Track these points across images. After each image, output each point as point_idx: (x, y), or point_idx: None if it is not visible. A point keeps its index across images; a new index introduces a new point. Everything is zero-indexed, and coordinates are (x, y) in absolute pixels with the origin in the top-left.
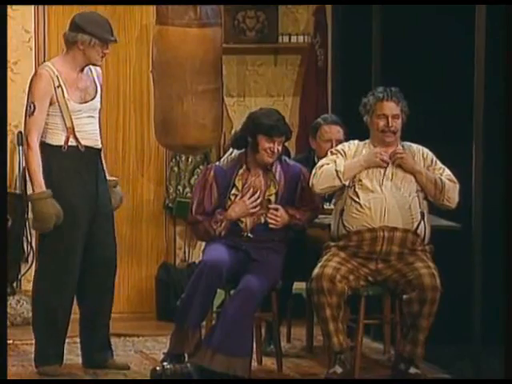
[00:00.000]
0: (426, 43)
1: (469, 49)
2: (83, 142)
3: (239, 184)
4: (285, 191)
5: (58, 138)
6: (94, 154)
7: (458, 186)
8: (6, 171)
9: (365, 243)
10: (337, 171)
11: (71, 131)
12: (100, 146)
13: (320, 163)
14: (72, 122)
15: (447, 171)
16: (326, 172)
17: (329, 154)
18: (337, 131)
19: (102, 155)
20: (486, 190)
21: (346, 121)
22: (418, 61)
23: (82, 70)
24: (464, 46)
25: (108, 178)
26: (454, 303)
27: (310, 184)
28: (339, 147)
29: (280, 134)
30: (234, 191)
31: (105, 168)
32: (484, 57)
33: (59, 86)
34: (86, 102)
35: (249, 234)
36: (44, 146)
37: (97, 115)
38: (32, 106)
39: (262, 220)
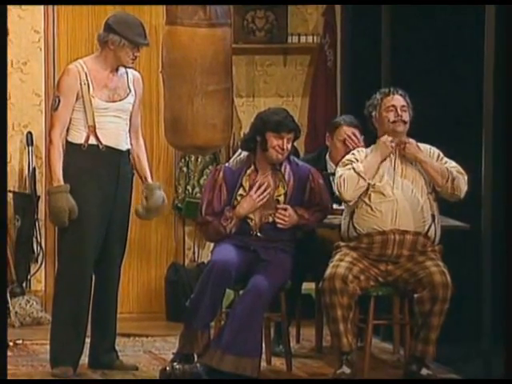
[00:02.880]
0: (436, 43)
1: (478, 48)
2: (104, 142)
3: (246, 184)
4: (294, 191)
5: (79, 136)
6: (115, 154)
7: (465, 177)
8: (6, 170)
9: (375, 246)
10: (358, 173)
11: (92, 129)
12: (124, 147)
13: (338, 174)
14: (94, 120)
15: (454, 163)
16: (348, 178)
17: (340, 164)
18: (354, 133)
19: (132, 159)
20: (495, 190)
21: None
22: (427, 61)
23: (115, 70)
24: (474, 45)
25: (149, 181)
26: (464, 303)
27: (338, 195)
28: (350, 156)
29: (288, 130)
30: (240, 191)
31: (147, 171)
32: (494, 55)
33: (86, 81)
34: (113, 102)
35: (258, 234)
36: (66, 144)
37: (125, 117)
38: (57, 100)
39: (271, 219)
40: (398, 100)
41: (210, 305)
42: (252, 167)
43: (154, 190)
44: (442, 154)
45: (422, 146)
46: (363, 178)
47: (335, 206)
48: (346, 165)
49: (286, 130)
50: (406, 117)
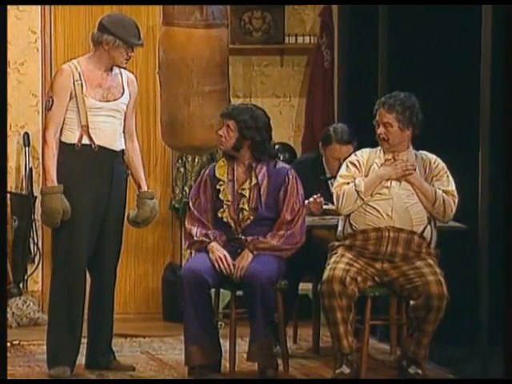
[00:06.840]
0: (433, 44)
1: (476, 50)
2: (97, 142)
3: (225, 177)
4: (269, 191)
5: (72, 136)
6: (108, 155)
7: (456, 201)
8: (5, 171)
9: (370, 243)
10: (358, 192)
11: (85, 129)
12: (118, 148)
13: (338, 183)
14: (87, 120)
15: (452, 186)
16: (348, 195)
17: (344, 166)
18: (347, 151)
19: (127, 162)
20: (492, 190)
21: (352, 122)
22: (424, 62)
23: (109, 70)
24: (471, 47)
25: (144, 189)
26: (461, 304)
27: (335, 207)
28: (353, 158)
29: (221, 117)
30: (218, 185)
31: (141, 177)
32: (490, 58)
33: (79, 81)
34: (107, 101)
35: (242, 237)
36: (59, 144)
37: (119, 117)
38: (51, 100)
39: (246, 217)
40: (381, 116)
41: (196, 318)
42: (230, 161)
43: (144, 200)
44: (445, 170)
45: (429, 156)
46: (361, 199)
47: (327, 206)
48: (348, 168)
49: (221, 120)
50: (388, 134)
